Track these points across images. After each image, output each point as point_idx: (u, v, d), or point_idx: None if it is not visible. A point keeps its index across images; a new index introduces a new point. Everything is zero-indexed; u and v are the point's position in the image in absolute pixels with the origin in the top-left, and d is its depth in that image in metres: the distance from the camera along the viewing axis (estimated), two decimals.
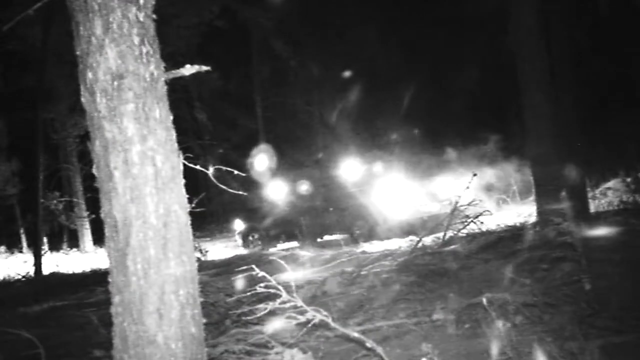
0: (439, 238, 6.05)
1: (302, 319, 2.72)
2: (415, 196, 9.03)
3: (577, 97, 6.44)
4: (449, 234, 5.60)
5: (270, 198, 10.73)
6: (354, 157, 10.20)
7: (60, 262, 11.52)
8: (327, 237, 9.81)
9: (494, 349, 2.68)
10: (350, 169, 9.73)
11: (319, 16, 15.82)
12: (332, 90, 16.18)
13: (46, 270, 9.63)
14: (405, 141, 11.32)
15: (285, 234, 10.48)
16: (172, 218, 1.87)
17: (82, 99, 1.86)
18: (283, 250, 8.80)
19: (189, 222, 1.96)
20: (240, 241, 11.56)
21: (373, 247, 7.38)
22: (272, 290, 2.80)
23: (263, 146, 11.76)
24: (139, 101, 1.82)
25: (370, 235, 8.78)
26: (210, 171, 2.58)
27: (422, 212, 8.97)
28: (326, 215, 9.71)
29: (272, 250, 9.89)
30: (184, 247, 1.91)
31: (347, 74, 15.68)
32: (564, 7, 6.41)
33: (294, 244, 10.04)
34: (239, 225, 11.70)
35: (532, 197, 8.45)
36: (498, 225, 7.27)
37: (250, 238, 11.18)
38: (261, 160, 11.45)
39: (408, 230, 8.55)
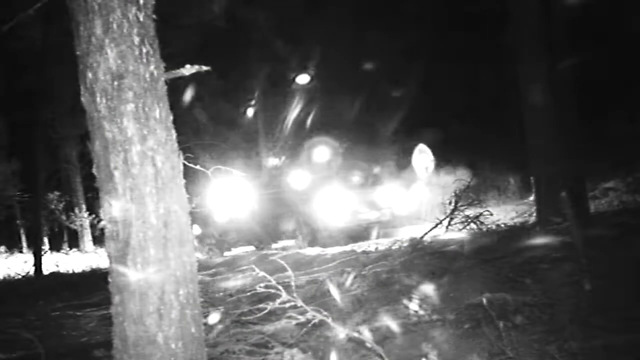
0: (438, 237, 6.06)
1: (302, 319, 2.72)
2: (356, 204, 9.50)
3: (578, 97, 6.43)
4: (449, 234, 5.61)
5: (225, 203, 10.85)
6: (302, 165, 10.44)
7: (60, 262, 11.52)
8: (281, 243, 10.09)
9: (494, 349, 2.68)
10: (297, 176, 10.02)
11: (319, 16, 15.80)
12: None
13: (46, 270, 9.63)
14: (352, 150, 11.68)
15: (241, 239, 10.68)
16: (172, 218, 1.87)
17: (82, 99, 1.86)
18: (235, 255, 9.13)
19: (189, 222, 1.96)
20: (197, 246, 11.74)
21: (315, 251, 7.65)
22: (272, 290, 2.80)
23: (322, 138, 11.74)
24: (139, 101, 1.82)
25: (313, 241, 9.18)
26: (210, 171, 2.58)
27: (362, 220, 9.50)
28: (277, 222, 10.02)
29: (226, 254, 10.13)
30: (184, 247, 1.91)
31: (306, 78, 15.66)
32: (565, 7, 6.40)
33: (250, 248, 10.27)
34: (195, 230, 11.85)
35: (532, 197, 8.48)
36: (498, 225, 7.27)
37: (207, 245, 11.31)
38: (321, 152, 11.44)
39: (348, 236, 9.09)
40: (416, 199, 10.86)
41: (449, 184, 11.18)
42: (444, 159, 12.68)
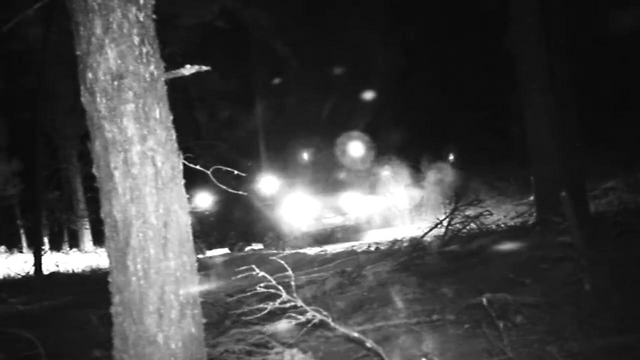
0: (438, 237, 6.06)
1: (302, 319, 2.71)
2: (321, 209, 10.09)
3: (577, 97, 6.44)
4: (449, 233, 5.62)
5: (198, 205, 11.03)
6: (272, 170, 10.75)
7: (60, 261, 11.51)
8: (254, 246, 10.43)
9: (494, 349, 2.68)
10: (267, 181, 10.39)
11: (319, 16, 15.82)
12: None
13: (46, 270, 9.62)
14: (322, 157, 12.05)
15: (214, 242, 10.87)
16: (172, 218, 1.87)
17: (82, 99, 1.86)
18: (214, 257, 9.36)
19: (189, 222, 1.96)
20: None
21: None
22: (272, 290, 2.80)
23: (355, 133, 11.95)
24: (139, 101, 1.82)
25: (279, 244, 9.61)
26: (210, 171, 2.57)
27: (326, 224, 10.04)
28: (248, 225, 10.37)
29: (199, 257, 10.38)
30: (184, 247, 1.91)
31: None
32: (565, 7, 6.40)
33: (225, 250, 10.49)
34: None
35: (532, 197, 8.48)
36: (498, 225, 7.28)
37: None
38: (357, 147, 11.63)
39: (314, 240, 9.62)
40: (380, 204, 11.26)
41: (442, 184, 11.49)
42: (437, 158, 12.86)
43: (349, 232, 10.16)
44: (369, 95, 15.39)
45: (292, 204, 9.93)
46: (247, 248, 10.33)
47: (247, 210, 10.45)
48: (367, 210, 10.57)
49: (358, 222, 10.25)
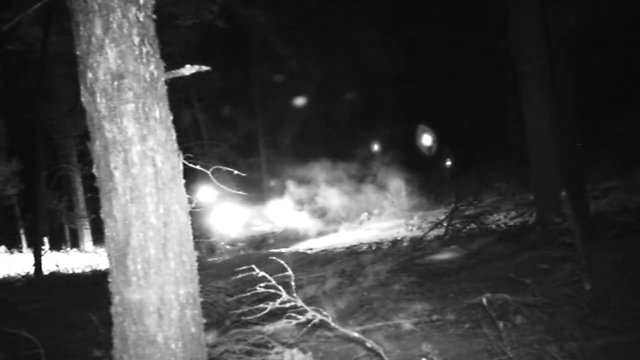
0: (438, 237, 6.06)
1: (302, 319, 2.71)
2: (250, 218, 10.80)
3: (577, 97, 6.43)
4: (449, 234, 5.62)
5: None
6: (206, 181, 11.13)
7: (60, 261, 11.50)
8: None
9: (494, 349, 2.68)
10: (203, 190, 10.84)
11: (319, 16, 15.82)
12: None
13: (46, 269, 9.61)
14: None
15: None
16: (172, 218, 1.87)
17: (82, 99, 1.86)
18: None
19: (189, 222, 1.96)
20: None
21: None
22: (272, 290, 2.80)
23: (424, 126, 12.18)
24: (139, 101, 1.82)
25: (212, 250, 10.11)
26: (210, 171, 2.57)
27: (255, 231, 10.73)
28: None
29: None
30: (184, 247, 1.91)
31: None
32: (564, 7, 6.40)
33: None
34: None
35: (532, 197, 8.48)
36: (498, 225, 7.28)
37: None
38: (426, 139, 11.90)
39: (245, 246, 10.16)
40: (312, 212, 11.60)
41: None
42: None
43: (279, 239, 10.65)
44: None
45: (222, 212, 10.49)
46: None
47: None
48: (296, 218, 11.07)
49: (287, 230, 10.80)
